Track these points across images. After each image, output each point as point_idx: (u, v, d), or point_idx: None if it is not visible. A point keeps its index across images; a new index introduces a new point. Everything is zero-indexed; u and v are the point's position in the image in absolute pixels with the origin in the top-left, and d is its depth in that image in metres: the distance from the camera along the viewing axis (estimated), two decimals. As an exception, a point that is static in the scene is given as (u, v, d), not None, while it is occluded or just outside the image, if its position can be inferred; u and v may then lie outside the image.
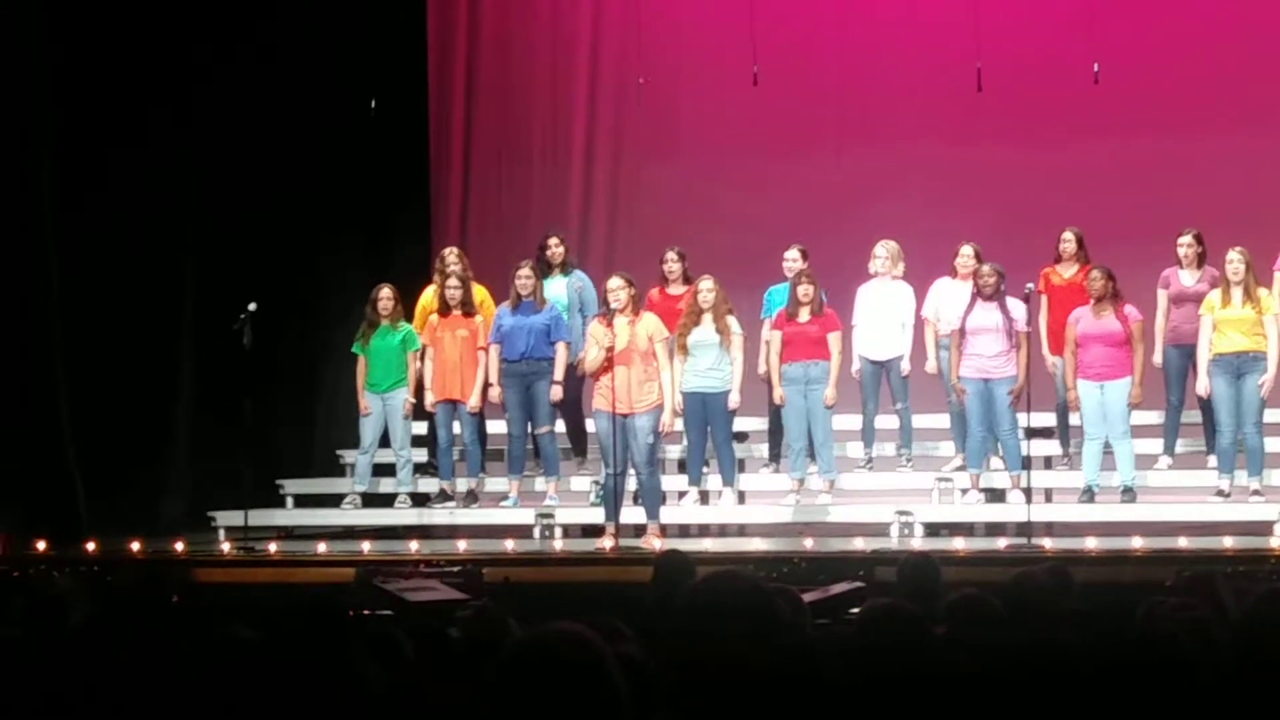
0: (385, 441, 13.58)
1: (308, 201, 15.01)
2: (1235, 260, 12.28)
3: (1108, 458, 12.50)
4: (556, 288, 13.52)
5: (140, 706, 3.75)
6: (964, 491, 12.83)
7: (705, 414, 12.74)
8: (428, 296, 13.71)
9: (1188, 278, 12.85)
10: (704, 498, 13.17)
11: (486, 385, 13.15)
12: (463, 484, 13.50)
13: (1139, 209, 14.52)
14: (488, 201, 16.38)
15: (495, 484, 13.65)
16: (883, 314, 13.25)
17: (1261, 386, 12.22)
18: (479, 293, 13.54)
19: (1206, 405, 12.72)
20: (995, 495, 12.87)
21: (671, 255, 13.49)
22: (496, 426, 13.73)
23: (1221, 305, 12.32)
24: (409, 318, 13.62)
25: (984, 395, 12.52)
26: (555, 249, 13.71)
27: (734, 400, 12.76)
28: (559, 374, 12.96)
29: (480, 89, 16.38)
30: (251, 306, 12.31)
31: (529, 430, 13.21)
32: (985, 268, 12.66)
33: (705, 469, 13.12)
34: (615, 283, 11.94)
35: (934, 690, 4.16)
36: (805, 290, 12.76)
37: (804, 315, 12.76)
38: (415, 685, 4.69)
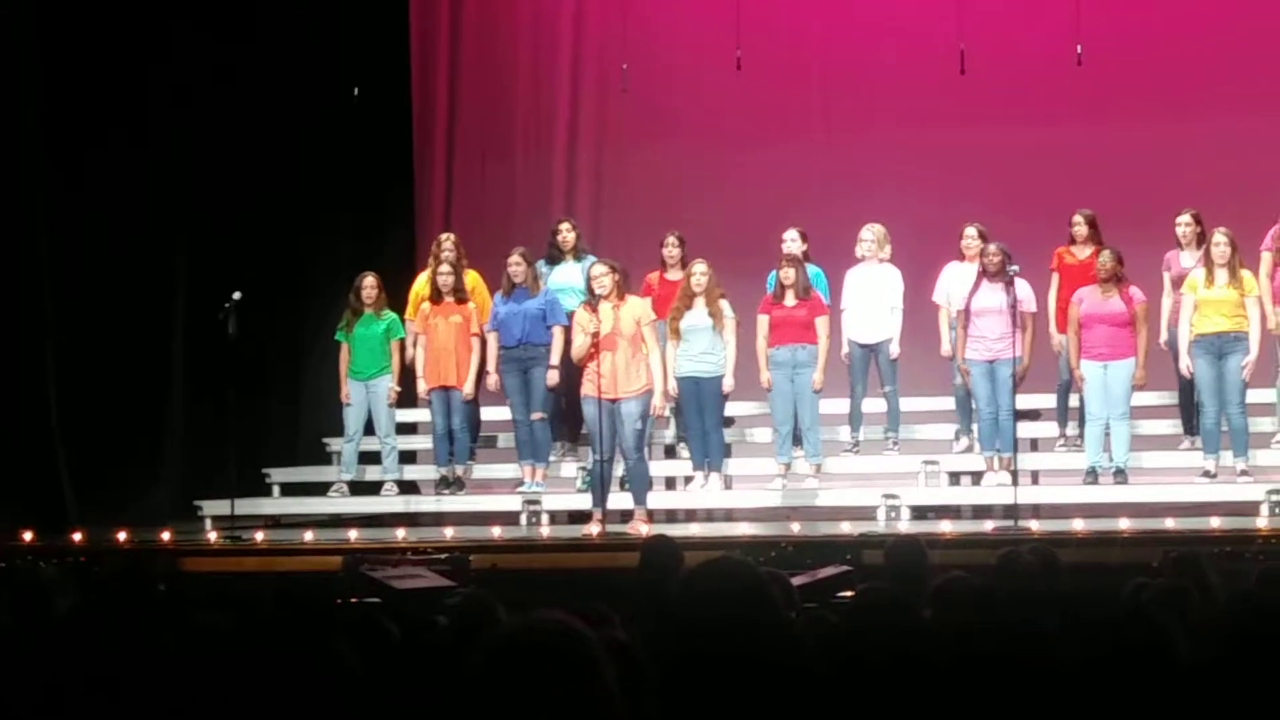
0: (371, 429, 13.57)
1: (293, 191, 14.99)
2: (1221, 242, 12.21)
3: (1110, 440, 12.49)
4: (571, 273, 13.42)
5: (124, 696, 3.74)
6: (977, 476, 12.78)
7: (699, 397, 12.74)
8: (421, 283, 13.67)
9: (1188, 259, 12.78)
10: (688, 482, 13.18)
11: (483, 373, 13.12)
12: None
13: (1125, 191, 14.47)
14: (472, 189, 16.35)
15: (483, 471, 13.65)
16: (871, 297, 13.24)
17: (1244, 369, 12.21)
18: (471, 278, 13.51)
19: (1185, 386, 12.73)
20: (978, 477, 12.89)
21: (672, 240, 13.44)
22: (488, 414, 13.72)
23: (1205, 285, 12.26)
24: (393, 306, 13.60)
25: (990, 376, 12.50)
26: (567, 234, 13.64)
27: (728, 384, 12.76)
28: (555, 359, 12.91)
29: (463, 76, 16.35)
30: (236, 295, 12.31)
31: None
32: (991, 247, 12.59)
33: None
34: (599, 269, 11.93)
35: (921, 674, 4.16)
36: (786, 274, 12.75)
37: (789, 299, 12.76)
38: (401, 673, 4.68)
